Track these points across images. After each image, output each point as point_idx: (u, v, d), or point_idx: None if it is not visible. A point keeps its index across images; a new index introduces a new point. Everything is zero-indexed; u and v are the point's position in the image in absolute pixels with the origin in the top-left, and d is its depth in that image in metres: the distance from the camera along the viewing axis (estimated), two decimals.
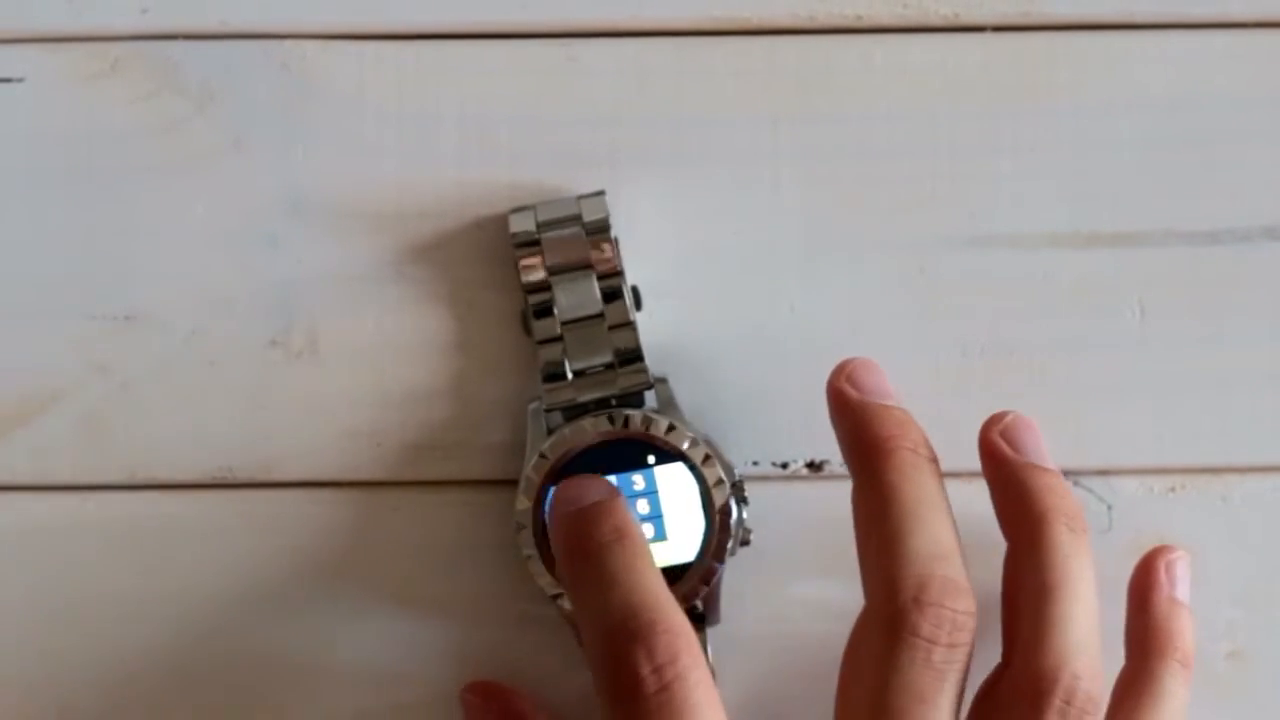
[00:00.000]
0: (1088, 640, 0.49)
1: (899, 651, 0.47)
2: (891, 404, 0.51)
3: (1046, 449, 0.53)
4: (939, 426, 0.56)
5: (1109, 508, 0.57)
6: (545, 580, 0.53)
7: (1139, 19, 0.57)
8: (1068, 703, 0.48)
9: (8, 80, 0.57)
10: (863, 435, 0.51)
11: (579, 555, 0.49)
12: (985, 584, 0.52)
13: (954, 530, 0.49)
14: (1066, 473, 0.57)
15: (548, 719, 0.55)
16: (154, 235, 0.56)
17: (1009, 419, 0.53)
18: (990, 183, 0.57)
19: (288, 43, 0.57)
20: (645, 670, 0.46)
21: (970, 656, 0.48)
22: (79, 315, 0.56)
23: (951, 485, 0.56)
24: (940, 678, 0.47)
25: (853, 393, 0.52)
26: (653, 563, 0.49)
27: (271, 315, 0.56)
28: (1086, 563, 0.50)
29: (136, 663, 0.57)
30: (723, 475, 0.54)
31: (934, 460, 0.50)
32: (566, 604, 0.53)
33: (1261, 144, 0.57)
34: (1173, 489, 0.57)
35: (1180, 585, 0.55)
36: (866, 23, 0.57)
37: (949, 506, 0.50)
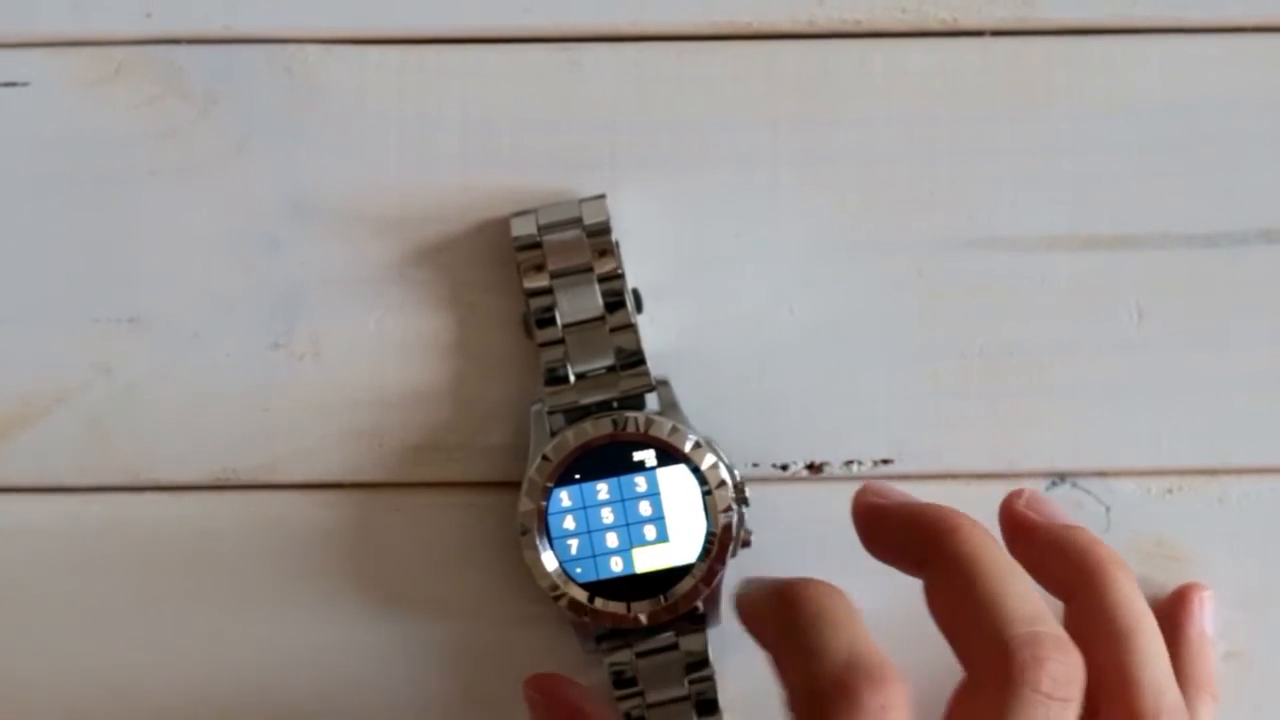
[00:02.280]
0: (1170, 674, 0.49)
1: (1019, 709, 0.46)
2: (918, 500, 0.52)
3: (1065, 513, 0.54)
4: (938, 428, 0.56)
5: (1107, 509, 0.57)
6: (546, 581, 0.54)
7: (1136, 23, 0.57)
8: None
9: (12, 84, 0.57)
10: (921, 526, 0.50)
11: (793, 604, 0.48)
12: None
13: (1040, 593, 0.49)
14: (1064, 474, 0.57)
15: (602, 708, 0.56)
16: (157, 238, 0.57)
17: (1028, 493, 0.54)
18: (989, 186, 0.57)
19: (291, 47, 0.57)
20: (871, 704, 0.46)
21: (1079, 712, 0.48)
22: (83, 317, 0.57)
23: (952, 486, 0.56)
24: None
25: (885, 501, 0.52)
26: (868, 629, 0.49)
27: (274, 317, 0.57)
28: (1145, 603, 0.51)
29: (139, 664, 0.57)
30: (724, 477, 0.54)
31: (992, 534, 0.50)
32: (568, 605, 0.54)
33: (1258, 147, 0.57)
34: (1170, 490, 0.57)
35: (1209, 621, 0.56)
36: (865, 27, 0.57)
37: (1027, 573, 0.50)
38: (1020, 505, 0.53)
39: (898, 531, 0.51)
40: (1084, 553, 0.51)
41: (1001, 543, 0.50)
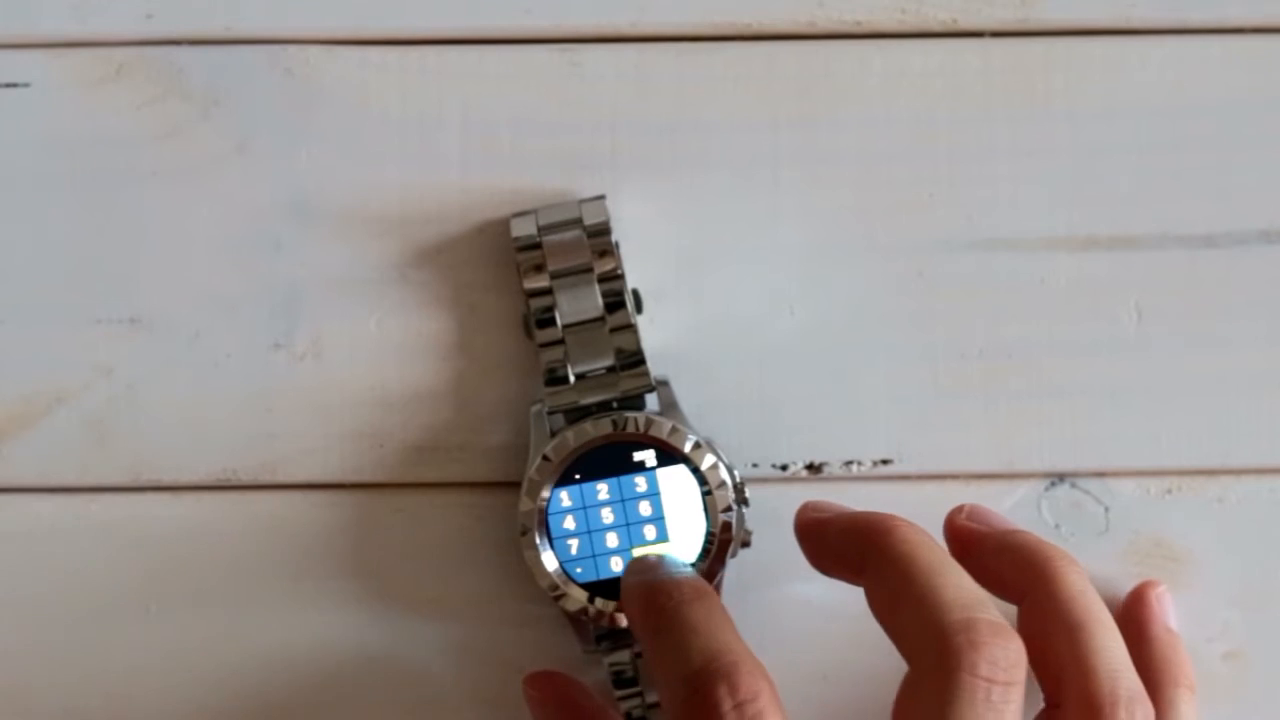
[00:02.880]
0: (1127, 663, 0.50)
1: (958, 694, 0.46)
2: (861, 510, 0.52)
3: (1009, 521, 0.54)
4: (938, 428, 0.57)
5: (1106, 509, 0.57)
6: (546, 581, 0.54)
7: (1136, 24, 0.57)
8: (1131, 715, 0.49)
9: (13, 85, 0.57)
10: (859, 531, 0.51)
11: (657, 609, 0.49)
12: None
13: (975, 583, 0.49)
14: (1063, 475, 0.57)
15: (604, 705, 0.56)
16: (158, 239, 0.57)
17: (969, 507, 0.54)
18: (988, 186, 0.57)
19: (291, 48, 0.57)
20: (727, 706, 0.46)
21: (1023, 698, 0.48)
22: (84, 318, 0.57)
23: (951, 486, 0.56)
24: (1000, 717, 0.47)
25: (822, 514, 0.53)
26: (731, 621, 0.49)
27: (275, 318, 0.57)
28: (1097, 595, 0.51)
29: (140, 664, 0.57)
30: (724, 477, 0.54)
31: (930, 535, 0.51)
32: (568, 605, 0.54)
33: (1257, 148, 0.57)
34: (1169, 490, 0.57)
35: (1170, 616, 0.56)
36: (866, 28, 0.57)
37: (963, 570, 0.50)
38: (962, 519, 0.54)
39: (838, 541, 0.51)
40: (1030, 552, 0.52)
41: (940, 540, 0.51)
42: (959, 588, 0.48)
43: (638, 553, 0.54)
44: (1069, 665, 0.50)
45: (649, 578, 0.51)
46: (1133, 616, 0.56)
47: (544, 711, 0.55)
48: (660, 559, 0.52)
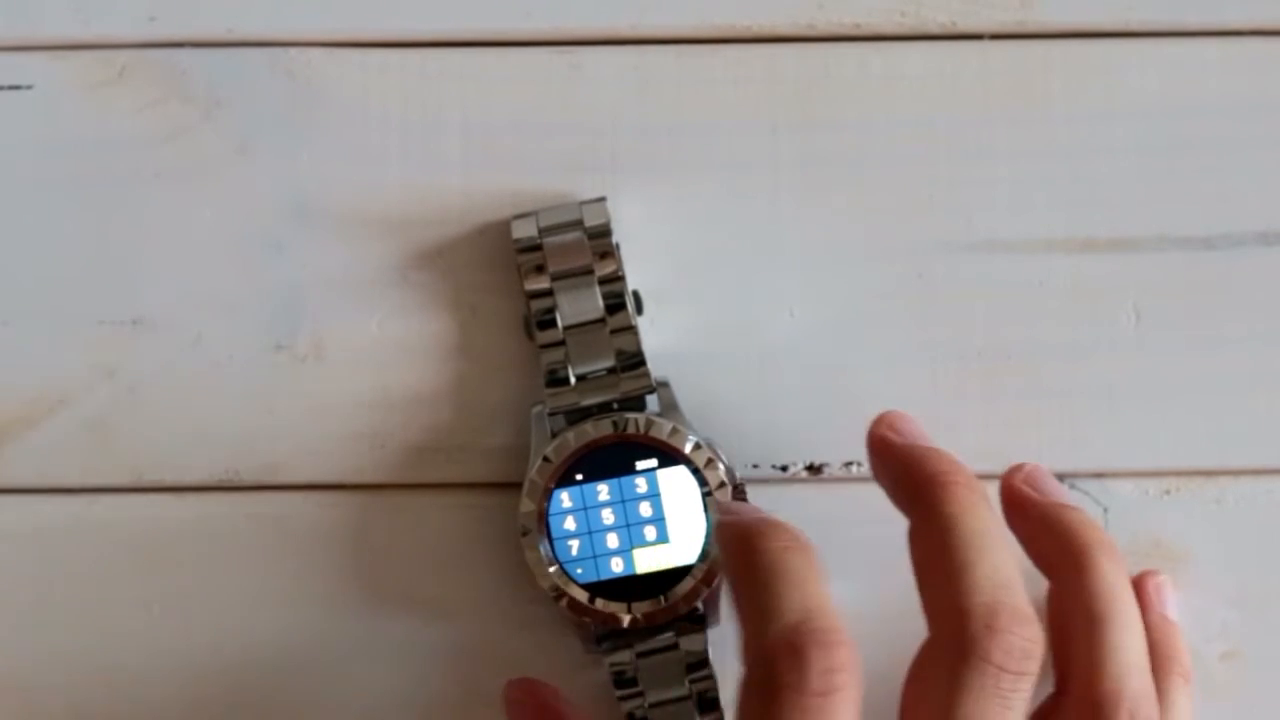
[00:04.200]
0: (1141, 663, 0.50)
1: (969, 677, 0.47)
2: (936, 446, 0.52)
3: (1066, 491, 0.54)
4: (937, 430, 0.56)
5: (1105, 510, 0.57)
6: (547, 582, 0.54)
7: (1134, 27, 0.57)
8: (1133, 718, 0.49)
9: (16, 88, 0.57)
10: (915, 473, 0.50)
11: (755, 550, 0.48)
12: None
13: (1015, 561, 0.49)
14: (1062, 476, 0.57)
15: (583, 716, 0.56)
16: (161, 240, 0.57)
17: (1029, 467, 0.54)
18: (987, 189, 0.57)
19: (293, 50, 0.57)
20: (818, 668, 0.45)
21: (1034, 686, 0.48)
22: (86, 319, 0.57)
23: None
24: (1007, 705, 0.47)
25: (896, 438, 0.52)
26: (828, 582, 0.48)
27: (277, 319, 0.57)
28: (1130, 591, 0.51)
29: (143, 664, 0.57)
30: (724, 478, 0.54)
31: (986, 497, 0.50)
32: (568, 606, 0.54)
33: (1255, 150, 0.57)
34: (1168, 491, 0.57)
35: (1169, 605, 0.56)
36: (865, 31, 0.57)
37: (1006, 539, 0.50)
38: (1019, 480, 0.54)
39: (898, 474, 0.51)
40: (1071, 534, 0.52)
41: (991, 507, 0.50)
42: (993, 566, 0.48)
43: (640, 553, 0.54)
44: (1081, 657, 0.50)
45: (747, 518, 0.50)
46: None
47: (523, 714, 0.55)
48: (751, 506, 0.51)
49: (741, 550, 0.49)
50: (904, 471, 0.51)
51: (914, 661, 0.49)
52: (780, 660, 0.46)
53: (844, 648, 0.46)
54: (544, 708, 0.55)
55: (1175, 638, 0.55)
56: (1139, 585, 0.56)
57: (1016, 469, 0.54)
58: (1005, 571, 0.48)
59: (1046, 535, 0.52)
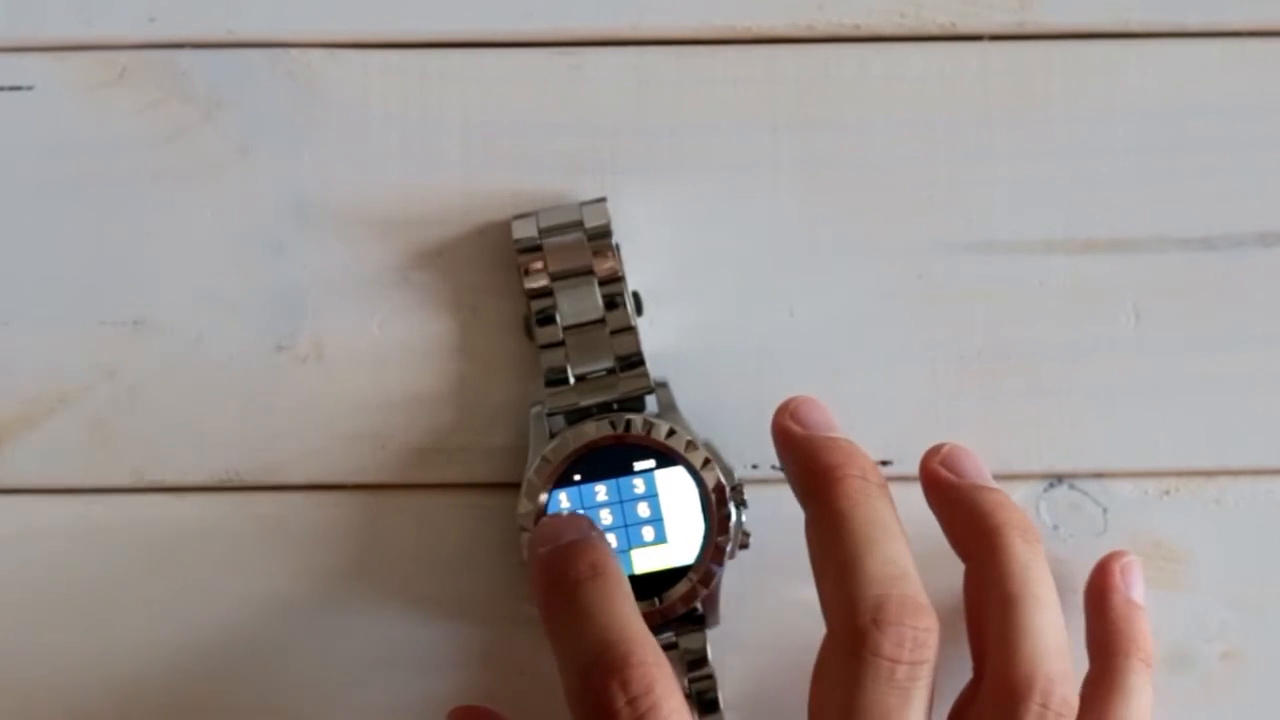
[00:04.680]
0: (1057, 645, 0.49)
1: (862, 672, 0.47)
2: (836, 435, 0.52)
3: (988, 471, 0.54)
4: (937, 431, 0.57)
5: (1104, 510, 0.57)
6: None
7: (1134, 28, 0.57)
8: (1045, 706, 0.48)
9: (17, 88, 0.57)
10: (810, 467, 0.51)
11: (554, 592, 0.49)
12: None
13: (908, 551, 0.49)
14: (1062, 476, 0.57)
15: None
16: (161, 241, 0.57)
17: (946, 448, 0.54)
18: (987, 189, 0.57)
19: (294, 51, 0.57)
20: (620, 702, 0.46)
21: (934, 673, 0.48)
22: (87, 320, 0.57)
23: None
24: (906, 695, 0.47)
25: (797, 428, 0.52)
26: (630, 597, 0.49)
27: (277, 320, 0.57)
28: (1045, 571, 0.51)
29: (143, 664, 0.57)
30: (722, 479, 0.54)
31: (883, 485, 0.51)
32: None
33: (1255, 151, 0.57)
34: (1167, 491, 0.57)
35: (1135, 588, 0.55)
36: (865, 31, 0.57)
37: (901, 529, 0.50)
38: (935, 462, 0.54)
39: (796, 468, 0.52)
40: (986, 515, 0.51)
41: (887, 497, 0.50)
42: (883, 558, 0.48)
43: (638, 553, 0.54)
44: (994, 640, 0.50)
45: (548, 546, 0.50)
46: (1095, 586, 0.56)
47: None
48: (567, 519, 0.51)
49: (543, 590, 0.49)
50: (801, 464, 0.51)
51: (817, 659, 0.50)
52: (586, 702, 0.47)
53: (640, 667, 0.47)
54: None
55: (1139, 620, 0.55)
56: (1104, 566, 0.56)
57: (934, 450, 0.54)
58: (897, 563, 0.48)
59: (961, 517, 0.52)
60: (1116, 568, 0.55)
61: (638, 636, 0.47)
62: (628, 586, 0.49)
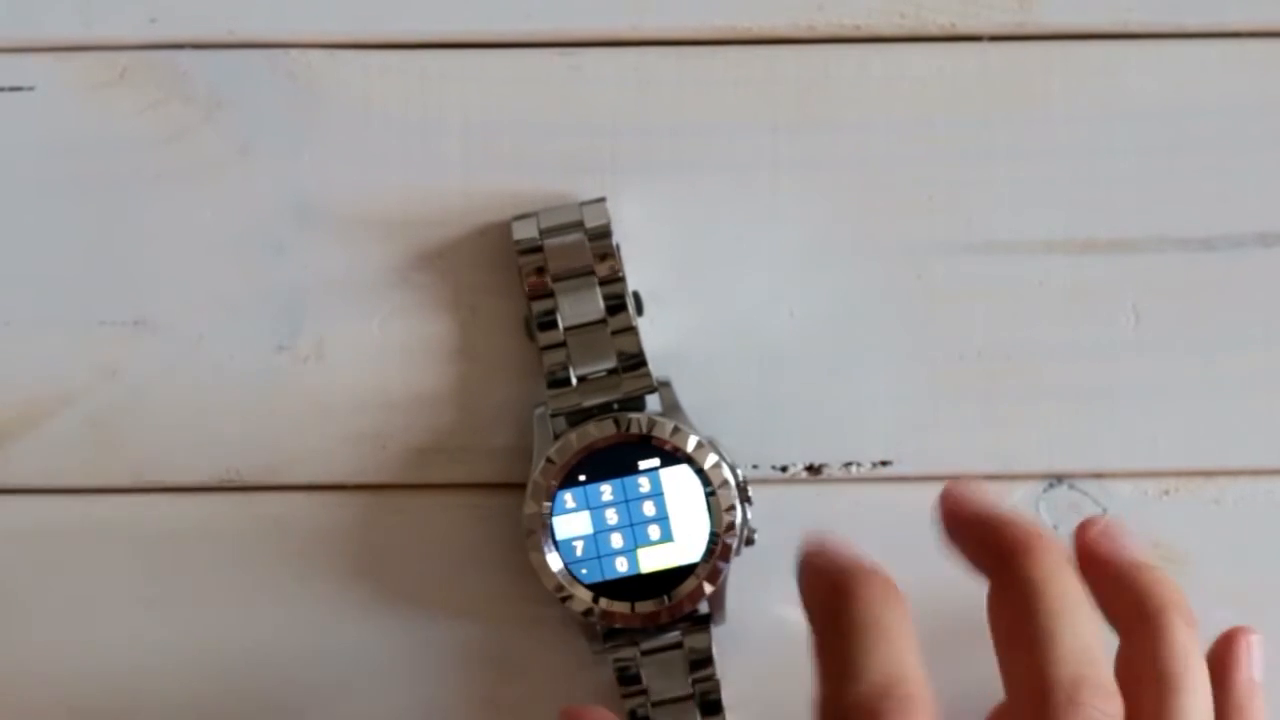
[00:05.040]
0: None
1: None
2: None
3: (1141, 546, 0.53)
4: (936, 430, 0.57)
5: (1104, 510, 0.57)
6: (552, 582, 0.54)
7: (1134, 28, 0.57)
8: None
9: (17, 89, 0.57)
10: (1000, 535, 0.50)
11: (845, 604, 0.47)
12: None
13: (1100, 632, 0.49)
14: (1061, 476, 0.57)
15: None
16: (162, 242, 0.57)
17: (1103, 523, 0.53)
18: (987, 190, 0.57)
19: (294, 52, 0.57)
20: None
21: None
22: (88, 320, 0.57)
23: None
24: None
25: (976, 502, 0.51)
26: (915, 640, 0.47)
27: (278, 320, 0.57)
28: (1200, 655, 0.50)
29: (144, 664, 0.57)
30: (727, 476, 0.54)
31: (1070, 559, 0.50)
32: (574, 606, 0.54)
33: (1255, 151, 0.57)
34: (1166, 492, 0.58)
35: (1257, 666, 0.54)
36: (865, 32, 0.57)
37: (1092, 608, 0.49)
38: (1094, 535, 0.53)
39: (974, 539, 0.50)
40: (1145, 594, 0.50)
41: (1076, 574, 0.49)
42: (1077, 636, 0.47)
43: (645, 552, 0.54)
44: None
45: (838, 562, 0.49)
46: (1219, 662, 0.54)
47: None
48: (841, 540, 0.50)
49: (831, 599, 0.48)
50: (987, 533, 0.50)
51: None
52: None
53: (924, 716, 0.45)
54: None
55: (1258, 704, 0.54)
56: (1231, 641, 0.54)
57: (1091, 523, 0.53)
58: (1089, 642, 0.48)
59: (1119, 593, 0.51)
60: (1244, 644, 0.54)
61: (923, 683, 0.46)
62: (913, 627, 0.48)
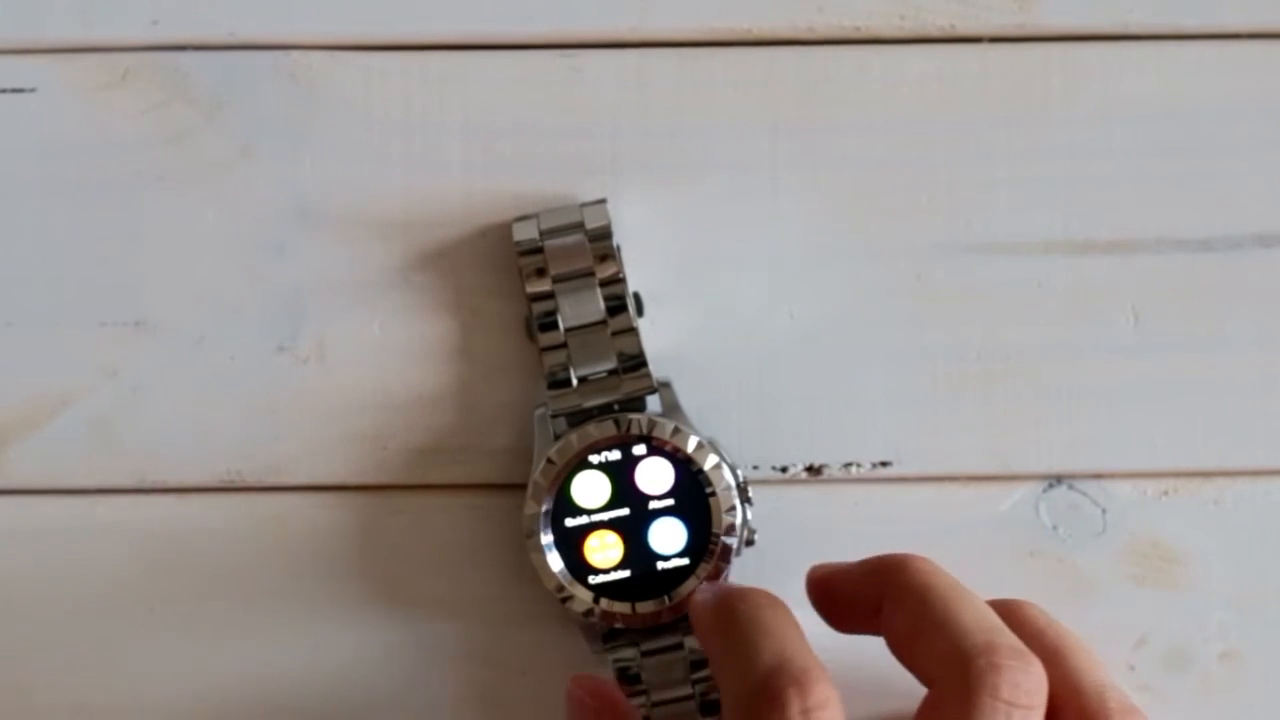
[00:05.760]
0: (992, 619, 0.49)
1: (979, 718, 0.46)
2: None
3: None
4: (936, 430, 0.57)
5: (1103, 511, 0.57)
6: (553, 583, 0.54)
7: (1132, 30, 0.57)
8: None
9: (19, 90, 0.57)
10: (870, 570, 0.51)
11: (729, 611, 0.50)
12: None
13: (993, 611, 0.49)
14: (1061, 477, 0.57)
15: None
16: (163, 243, 0.57)
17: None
18: (986, 191, 0.57)
19: (295, 53, 0.57)
20: (795, 709, 0.46)
21: None
22: (90, 321, 0.57)
23: (949, 488, 0.57)
24: None
25: (830, 567, 0.52)
26: (803, 632, 0.49)
27: (279, 321, 0.57)
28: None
29: (145, 664, 0.57)
30: (728, 477, 0.54)
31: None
32: (575, 606, 0.54)
33: (1253, 152, 0.57)
34: (1166, 492, 0.58)
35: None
36: (864, 33, 0.57)
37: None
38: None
39: (852, 587, 0.51)
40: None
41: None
42: (977, 612, 0.48)
43: None
44: (1056, 685, 0.49)
45: (720, 588, 0.52)
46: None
47: (590, 714, 0.55)
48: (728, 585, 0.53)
49: (715, 616, 0.50)
50: (859, 578, 0.51)
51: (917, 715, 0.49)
52: (760, 706, 0.46)
53: (821, 684, 0.46)
54: (612, 707, 0.54)
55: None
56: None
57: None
58: (990, 615, 0.48)
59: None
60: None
61: (815, 661, 0.47)
62: (799, 624, 0.49)
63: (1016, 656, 0.47)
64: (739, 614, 0.49)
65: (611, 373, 0.55)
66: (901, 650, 0.49)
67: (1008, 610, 0.51)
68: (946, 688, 0.47)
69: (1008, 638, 0.47)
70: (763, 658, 0.47)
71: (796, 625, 0.49)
